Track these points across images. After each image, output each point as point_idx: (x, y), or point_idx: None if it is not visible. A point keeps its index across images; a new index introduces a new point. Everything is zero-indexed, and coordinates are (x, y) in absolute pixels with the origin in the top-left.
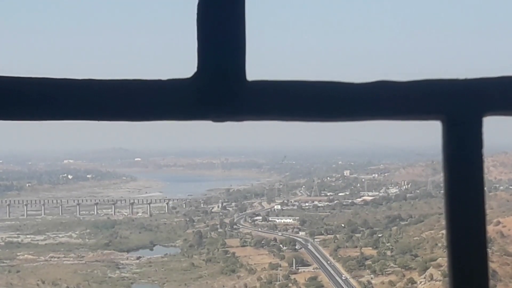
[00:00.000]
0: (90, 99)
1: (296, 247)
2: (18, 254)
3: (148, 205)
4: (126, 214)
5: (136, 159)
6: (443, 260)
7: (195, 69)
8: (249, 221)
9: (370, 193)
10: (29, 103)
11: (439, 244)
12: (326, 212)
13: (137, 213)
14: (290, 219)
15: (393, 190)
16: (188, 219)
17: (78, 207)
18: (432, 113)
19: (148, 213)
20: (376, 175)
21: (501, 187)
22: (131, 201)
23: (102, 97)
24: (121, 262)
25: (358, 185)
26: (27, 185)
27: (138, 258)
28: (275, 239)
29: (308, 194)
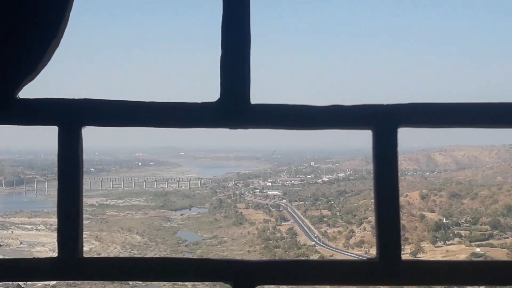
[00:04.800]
0: (155, 114)
1: (280, 209)
2: (107, 211)
3: (188, 182)
4: (174, 187)
5: (181, 153)
6: (372, 218)
7: (218, 96)
8: (251, 192)
9: (327, 176)
10: (122, 116)
11: (370, 208)
12: (299, 188)
13: (181, 186)
14: (276, 191)
15: (341, 174)
16: (213, 191)
17: (144, 183)
18: (366, 125)
19: (188, 187)
20: (331, 164)
21: (408, 174)
22: (178, 179)
23: (162, 113)
24: (171, 217)
25: (319, 171)
26: (113, 168)
27: (182, 214)
28: (267, 204)
29: (288, 176)
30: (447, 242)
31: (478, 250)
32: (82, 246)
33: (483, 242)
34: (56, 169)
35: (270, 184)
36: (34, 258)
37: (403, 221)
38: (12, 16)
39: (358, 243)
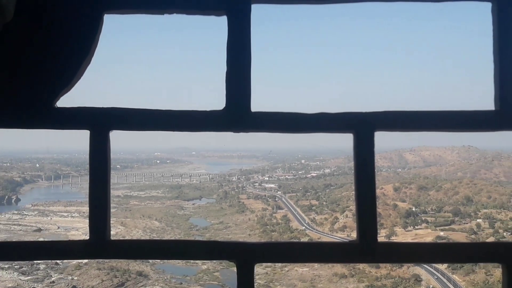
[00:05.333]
0: (171, 120)
1: (276, 199)
2: (130, 201)
3: (199, 177)
4: (187, 181)
5: (192, 152)
6: (353, 207)
7: (224, 105)
8: (252, 185)
9: (315, 172)
10: (144, 121)
11: (351, 199)
12: (292, 181)
13: (193, 180)
14: (273, 184)
15: (327, 170)
16: (219, 184)
17: (162, 177)
18: (348, 129)
19: (199, 181)
20: (318, 162)
21: (383, 170)
22: (190, 174)
23: (177, 119)
24: (184, 206)
25: (309, 167)
26: (135, 165)
27: (193, 204)
28: (265, 195)
29: (283, 172)
30: (416, 227)
31: (442, 233)
32: (109, 230)
33: (446, 227)
34: (88, 166)
35: (267, 178)
36: (69, 240)
37: (379, 209)
38: (52, 41)
39: (341, 228)
